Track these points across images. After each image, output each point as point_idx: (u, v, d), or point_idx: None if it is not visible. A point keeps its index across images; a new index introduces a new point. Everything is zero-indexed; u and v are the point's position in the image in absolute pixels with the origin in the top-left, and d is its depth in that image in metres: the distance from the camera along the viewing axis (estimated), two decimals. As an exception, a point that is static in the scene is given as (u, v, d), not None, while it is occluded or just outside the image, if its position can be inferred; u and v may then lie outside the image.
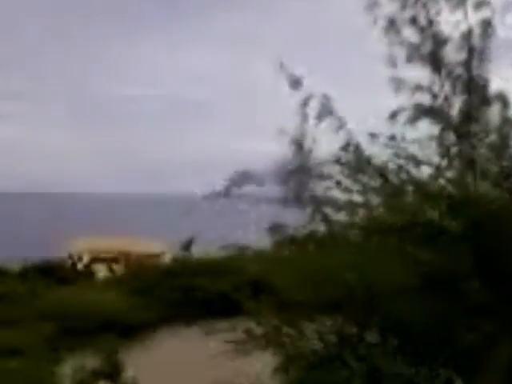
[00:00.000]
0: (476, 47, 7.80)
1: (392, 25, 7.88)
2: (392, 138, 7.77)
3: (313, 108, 7.91)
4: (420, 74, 7.95)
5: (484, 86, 7.81)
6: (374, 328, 7.71)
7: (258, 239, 9.53)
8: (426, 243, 7.24)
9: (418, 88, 7.92)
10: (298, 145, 7.97)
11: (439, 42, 7.87)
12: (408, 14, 7.88)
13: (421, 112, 7.87)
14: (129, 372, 12.85)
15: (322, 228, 8.28)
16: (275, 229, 8.41)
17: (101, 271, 32.70)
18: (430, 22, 7.87)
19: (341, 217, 7.99)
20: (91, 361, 13.02)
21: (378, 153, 7.84)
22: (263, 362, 8.63)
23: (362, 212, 7.83)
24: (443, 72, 7.85)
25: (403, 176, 7.67)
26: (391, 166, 7.76)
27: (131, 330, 19.16)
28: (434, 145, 7.74)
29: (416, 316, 7.14)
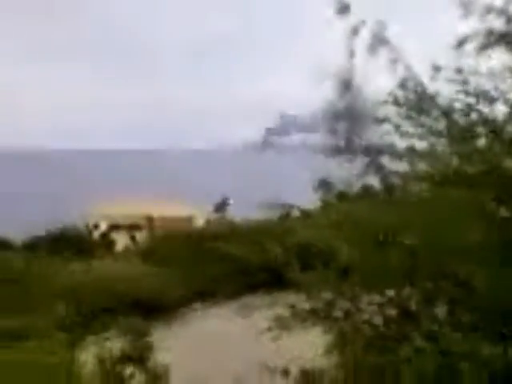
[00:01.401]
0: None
1: None
2: (459, 70, 7.67)
3: (363, 39, 7.85)
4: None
5: None
6: (444, 300, 7.74)
7: (306, 197, 9.58)
8: (505, 197, 7.22)
9: (490, 10, 7.81)
10: (346, 83, 7.92)
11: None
12: None
13: (494, 39, 7.76)
14: (159, 356, 13.08)
15: (378, 181, 8.28)
16: (324, 185, 8.43)
17: (121, 240, 33.01)
18: None
19: (400, 167, 7.97)
20: (116, 345, 13.28)
21: (443, 89, 7.77)
22: (311, 342, 8.75)
23: (425, 161, 7.79)
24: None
25: (474, 116, 7.60)
26: (459, 104, 7.68)
27: (159, 309, 19.39)
28: (510, 78, 7.64)
29: (495, 286, 7.15)
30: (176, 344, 16.46)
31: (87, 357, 12.74)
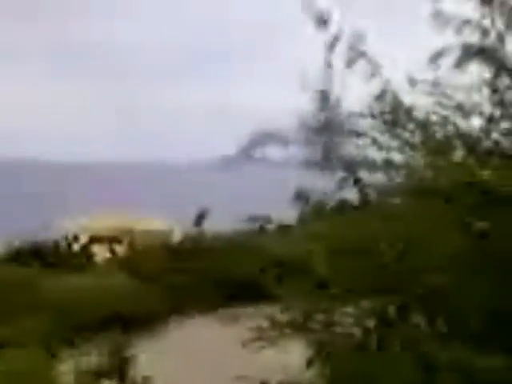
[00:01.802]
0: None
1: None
2: (435, 84, 7.70)
3: (341, 50, 7.84)
4: (467, 7, 7.87)
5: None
6: (421, 309, 7.74)
7: (282, 211, 9.55)
8: (479, 209, 7.22)
9: (466, 24, 7.83)
10: (324, 95, 7.91)
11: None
12: None
13: (469, 52, 7.79)
14: (138, 369, 13.02)
15: (355, 194, 8.27)
16: (301, 197, 8.40)
17: (100, 253, 32.89)
18: None
19: (377, 180, 7.97)
20: (94, 358, 13.20)
21: (420, 102, 7.79)
22: (290, 353, 8.72)
23: (402, 173, 7.79)
24: (495, 3, 7.76)
25: (449, 129, 7.61)
26: (435, 117, 7.70)
27: (138, 322, 19.33)
28: (485, 91, 7.66)
29: (471, 294, 7.15)
30: (155, 357, 16.38)
31: (66, 370, 12.66)
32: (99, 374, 12.62)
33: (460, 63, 7.79)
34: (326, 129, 8.05)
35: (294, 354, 8.43)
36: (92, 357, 13.39)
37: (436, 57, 7.81)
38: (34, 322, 17.14)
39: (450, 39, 7.84)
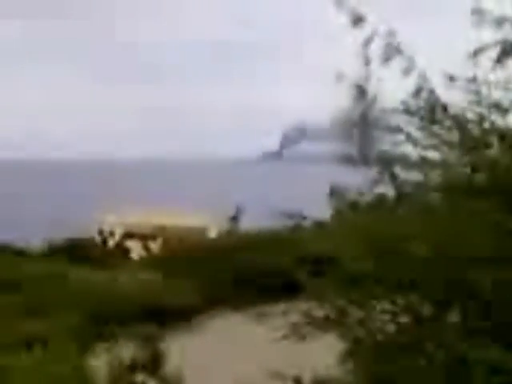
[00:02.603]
0: None
1: None
2: (473, 80, 7.69)
3: (377, 48, 7.87)
4: (507, 4, 7.85)
5: None
6: (456, 307, 7.74)
7: (318, 207, 9.60)
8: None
9: (505, 21, 7.82)
10: (361, 91, 7.94)
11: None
12: None
13: (508, 49, 7.77)
14: (171, 364, 13.11)
15: (391, 190, 8.30)
16: (337, 194, 8.44)
17: (135, 249, 33.15)
18: None
19: (413, 176, 7.98)
20: (128, 352, 13.31)
21: (457, 99, 7.79)
22: (325, 349, 8.76)
23: (438, 170, 7.80)
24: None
25: (486, 126, 7.61)
26: (472, 114, 7.70)
27: (172, 317, 19.46)
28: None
29: (507, 293, 7.15)
30: (188, 352, 16.50)
31: (98, 364, 12.79)
32: (133, 367, 12.73)
33: (499, 60, 7.78)
34: (362, 124, 8.09)
35: (329, 350, 8.47)
36: (125, 350, 13.51)
37: (475, 53, 7.81)
38: (68, 316, 17.33)
39: (489, 36, 7.84)
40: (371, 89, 7.92)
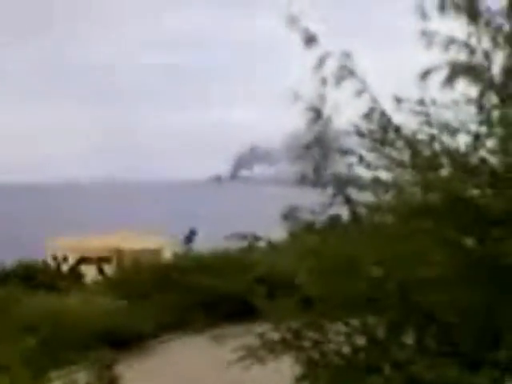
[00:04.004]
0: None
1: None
2: (422, 102, 7.75)
3: (331, 69, 7.90)
4: (454, 25, 7.95)
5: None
6: (410, 328, 7.77)
7: (272, 228, 9.59)
8: (467, 226, 7.27)
9: (453, 42, 7.92)
10: (316, 112, 7.95)
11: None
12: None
13: (456, 70, 7.86)
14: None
15: (345, 212, 8.32)
16: (291, 215, 8.43)
17: (89, 273, 32.82)
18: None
19: (366, 198, 8.02)
20: (83, 377, 13.17)
21: (407, 121, 7.84)
22: (280, 372, 8.73)
23: (390, 191, 7.84)
24: (481, 22, 7.85)
25: (437, 147, 7.66)
26: (422, 135, 7.75)
27: (127, 342, 19.28)
28: (472, 109, 7.73)
29: (460, 313, 7.20)
30: (143, 377, 16.36)
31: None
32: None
33: (447, 81, 7.87)
34: (317, 146, 8.11)
35: (284, 371, 8.45)
36: (80, 376, 13.36)
37: (424, 75, 7.89)
38: (21, 343, 17.07)
39: (437, 57, 7.92)
40: (326, 110, 7.96)
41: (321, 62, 7.88)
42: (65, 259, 34.39)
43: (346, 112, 8.09)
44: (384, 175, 7.86)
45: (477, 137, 7.61)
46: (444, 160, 7.58)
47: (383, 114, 7.92)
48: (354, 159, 7.96)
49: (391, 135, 7.83)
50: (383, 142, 7.79)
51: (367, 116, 7.92)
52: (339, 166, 8.18)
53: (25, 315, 19.66)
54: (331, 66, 7.92)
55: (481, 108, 7.69)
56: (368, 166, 7.86)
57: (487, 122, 7.61)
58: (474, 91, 7.81)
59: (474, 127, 7.65)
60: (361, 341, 7.84)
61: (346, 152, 8.01)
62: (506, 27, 7.84)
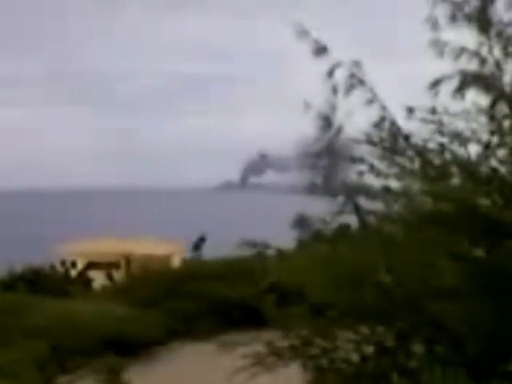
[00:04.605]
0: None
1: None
2: (433, 111, 7.77)
3: (340, 79, 7.95)
4: (465, 35, 7.98)
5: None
6: (420, 337, 7.77)
7: (281, 236, 9.61)
8: (478, 237, 7.28)
9: (464, 52, 7.94)
10: (327, 121, 7.98)
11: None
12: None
13: (467, 80, 7.88)
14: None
15: (354, 221, 8.34)
16: (300, 223, 8.45)
17: (98, 279, 32.86)
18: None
19: (376, 207, 8.04)
20: (91, 383, 13.21)
21: (418, 130, 7.86)
22: (289, 379, 8.74)
23: (400, 200, 7.86)
24: (492, 32, 7.87)
25: (447, 156, 7.68)
26: (433, 144, 7.77)
27: (135, 349, 19.29)
28: (482, 119, 7.75)
29: (470, 323, 7.20)
30: (152, 383, 16.37)
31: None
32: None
33: (458, 91, 7.89)
34: (327, 154, 8.14)
35: (292, 379, 8.46)
36: (88, 382, 13.39)
37: (435, 84, 7.91)
38: (29, 348, 17.12)
39: (448, 67, 7.95)
40: (336, 119, 7.99)
41: (331, 71, 7.92)
42: (73, 264, 34.45)
43: (357, 121, 8.12)
44: (394, 184, 7.88)
45: (487, 146, 7.63)
46: (454, 169, 7.60)
47: (393, 122, 7.95)
48: (364, 168, 7.98)
49: (401, 144, 7.85)
50: (393, 151, 7.81)
51: (377, 125, 7.95)
52: (349, 174, 8.21)
53: (33, 320, 19.70)
54: (341, 75, 7.96)
55: (492, 118, 7.71)
56: (378, 174, 7.88)
57: (498, 131, 7.63)
58: (484, 101, 7.82)
59: (484, 137, 7.68)
60: (370, 349, 7.85)
61: (356, 160, 8.04)
62: (517, 37, 7.86)
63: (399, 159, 7.81)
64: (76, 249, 38.38)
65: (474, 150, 7.70)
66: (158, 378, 17.59)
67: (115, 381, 13.14)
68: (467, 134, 7.67)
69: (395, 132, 7.89)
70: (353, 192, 8.13)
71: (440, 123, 7.68)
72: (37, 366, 15.33)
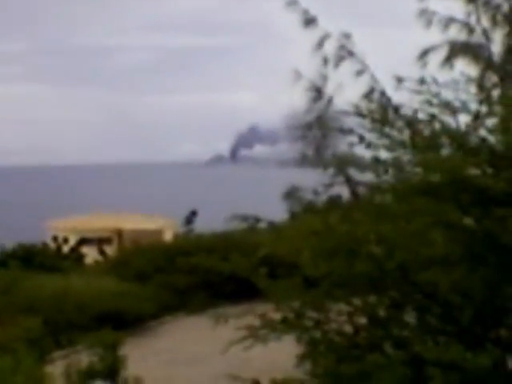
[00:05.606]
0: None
1: None
2: (422, 81, 7.74)
3: (330, 50, 7.92)
4: (453, 5, 7.95)
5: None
6: (412, 307, 7.80)
7: (273, 209, 9.61)
8: (468, 206, 7.29)
9: (452, 22, 7.91)
10: (317, 92, 7.96)
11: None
12: None
13: (455, 50, 7.85)
14: (130, 369, 13.05)
15: (345, 192, 8.34)
16: (292, 195, 8.45)
17: (90, 254, 32.87)
18: None
19: (366, 178, 8.03)
20: (85, 359, 13.22)
21: (407, 100, 7.85)
22: (281, 352, 8.76)
23: (390, 171, 7.85)
24: (480, 1, 7.85)
25: (436, 127, 7.67)
26: (422, 115, 7.76)
27: (129, 323, 19.34)
28: (471, 89, 7.73)
29: (462, 292, 7.23)
30: (146, 357, 16.43)
31: (55, 371, 12.66)
32: (91, 374, 12.64)
33: (447, 61, 7.86)
34: (318, 126, 8.13)
35: (286, 352, 8.49)
36: (83, 357, 13.41)
37: (423, 54, 7.89)
38: (23, 324, 17.13)
39: (436, 37, 7.92)
40: (327, 90, 7.98)
41: (320, 42, 7.89)
42: (65, 240, 34.41)
43: (346, 92, 8.11)
44: (384, 155, 7.87)
45: (477, 116, 7.62)
46: (444, 139, 7.59)
47: (383, 93, 7.93)
48: (354, 139, 7.97)
49: (391, 115, 7.83)
50: (383, 122, 7.79)
51: (367, 96, 7.93)
52: (340, 146, 8.20)
53: (27, 296, 19.73)
54: (331, 47, 7.93)
55: (480, 87, 7.67)
56: (368, 145, 7.87)
57: (487, 101, 7.60)
58: (473, 70, 7.80)
59: (474, 106, 7.66)
60: (362, 320, 7.87)
61: (346, 132, 8.02)
62: (505, 6, 7.83)
63: (389, 130, 7.79)
64: (68, 225, 38.34)
65: (463, 119, 7.69)
66: (152, 351, 17.65)
67: (110, 355, 13.15)
68: (456, 104, 7.64)
69: (385, 103, 7.87)
70: (343, 163, 8.11)
71: (429, 93, 7.66)
72: (31, 342, 15.34)
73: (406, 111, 7.84)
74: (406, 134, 7.74)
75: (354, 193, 8.24)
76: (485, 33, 7.78)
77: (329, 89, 8.00)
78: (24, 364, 12.13)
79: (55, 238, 34.23)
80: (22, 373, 11.76)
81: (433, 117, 7.68)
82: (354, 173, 8.19)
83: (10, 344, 14.62)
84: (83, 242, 34.56)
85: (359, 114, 7.87)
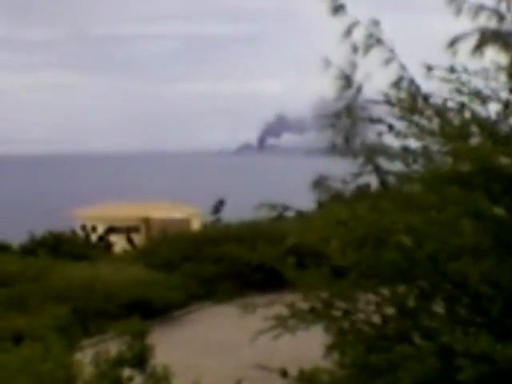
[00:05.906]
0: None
1: None
2: (452, 70, 7.70)
3: (359, 38, 7.87)
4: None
5: None
6: (441, 298, 7.77)
7: (301, 198, 9.60)
8: (498, 196, 7.25)
9: (481, 9, 7.85)
10: (347, 80, 7.93)
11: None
12: None
13: (485, 38, 7.79)
14: (158, 358, 13.09)
15: (374, 181, 8.31)
16: (320, 184, 8.42)
17: (119, 243, 33.06)
18: None
19: (395, 167, 8.00)
20: (114, 347, 13.28)
21: (436, 89, 7.80)
22: (310, 342, 8.76)
23: (419, 160, 7.82)
24: (511, -12, 7.77)
25: (466, 115, 7.63)
26: (452, 104, 7.72)
27: (157, 312, 19.44)
28: (502, 77, 7.67)
29: (492, 282, 7.19)
30: (174, 346, 16.50)
31: (84, 359, 12.74)
32: (119, 362, 12.69)
33: (477, 49, 7.81)
34: (347, 114, 8.09)
35: (314, 342, 8.49)
36: (112, 345, 13.48)
37: (453, 42, 7.83)
38: (52, 312, 17.28)
39: (466, 25, 7.86)
40: (356, 78, 7.94)
41: (349, 30, 7.85)
42: (93, 229, 34.64)
43: (375, 81, 8.06)
44: (413, 144, 7.84)
45: (507, 105, 7.57)
46: (474, 128, 7.55)
47: (412, 82, 7.89)
48: (383, 128, 7.94)
49: (420, 103, 7.80)
50: (412, 111, 7.76)
51: (396, 84, 7.89)
52: (369, 134, 8.17)
53: (56, 285, 19.89)
54: (359, 35, 7.89)
55: (511, 76, 7.63)
56: (397, 134, 7.84)
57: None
58: (504, 58, 7.73)
59: (504, 95, 7.61)
60: (391, 310, 7.85)
61: (375, 121, 7.99)
62: (537, -7, 7.75)
63: (418, 119, 7.75)
64: (96, 213, 38.58)
65: (493, 108, 7.64)
66: (180, 340, 17.73)
67: (138, 344, 13.19)
68: (486, 92, 7.60)
69: (414, 92, 7.83)
70: (372, 152, 8.08)
71: (459, 82, 7.61)
72: (60, 330, 15.45)
73: (436, 100, 7.80)
74: (435, 123, 7.69)
75: (382, 182, 8.19)
76: (515, 20, 7.69)
77: (358, 77, 7.93)
78: (53, 352, 12.20)
79: (84, 227, 34.46)
80: (51, 360, 11.82)
81: (463, 105, 7.64)
82: (382, 162, 8.16)
83: (39, 332, 14.74)
84: (111, 230, 34.76)
85: (388, 102, 7.84)
